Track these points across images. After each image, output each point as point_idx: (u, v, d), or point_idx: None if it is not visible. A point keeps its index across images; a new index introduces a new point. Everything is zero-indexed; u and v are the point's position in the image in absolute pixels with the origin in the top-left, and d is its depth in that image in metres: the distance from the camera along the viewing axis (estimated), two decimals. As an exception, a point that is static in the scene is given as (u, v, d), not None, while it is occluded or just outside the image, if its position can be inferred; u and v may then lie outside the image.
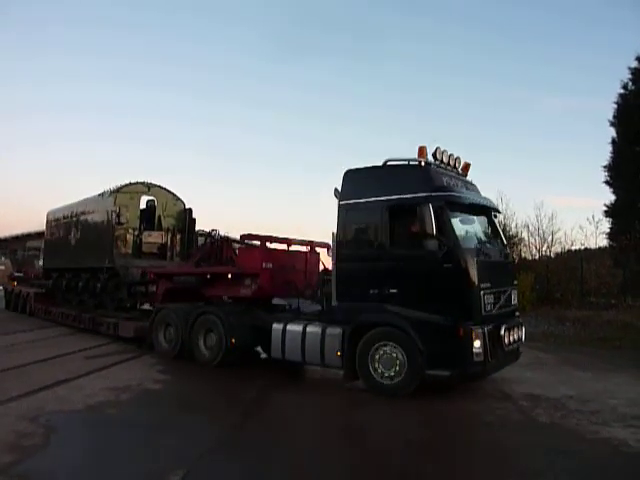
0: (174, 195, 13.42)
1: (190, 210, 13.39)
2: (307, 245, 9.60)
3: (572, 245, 19.24)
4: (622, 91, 20.05)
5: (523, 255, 22.29)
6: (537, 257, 20.19)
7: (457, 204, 6.72)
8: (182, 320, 8.93)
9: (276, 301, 8.98)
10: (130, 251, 12.34)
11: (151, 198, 13.09)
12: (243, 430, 5.26)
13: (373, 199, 6.94)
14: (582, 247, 19.16)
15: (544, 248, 20.27)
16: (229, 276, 8.83)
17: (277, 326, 7.76)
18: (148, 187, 13.03)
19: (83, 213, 13.52)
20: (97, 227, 12.70)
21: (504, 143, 58.69)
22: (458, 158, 7.55)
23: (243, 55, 63.78)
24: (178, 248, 13.00)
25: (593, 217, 19.07)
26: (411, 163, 6.94)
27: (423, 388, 6.34)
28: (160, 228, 12.97)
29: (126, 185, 12.64)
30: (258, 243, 8.91)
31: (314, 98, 61.70)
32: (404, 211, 6.65)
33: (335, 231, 7.31)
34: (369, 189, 7.04)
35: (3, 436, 4.68)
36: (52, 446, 4.56)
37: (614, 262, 17.95)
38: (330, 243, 7.75)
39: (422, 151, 6.82)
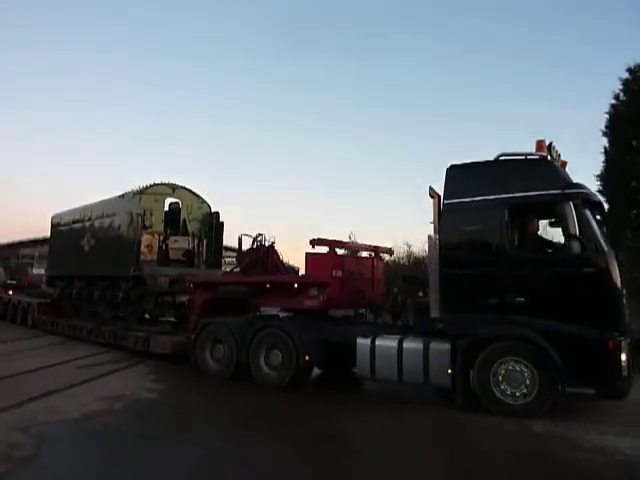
0: (199, 197, 12.50)
1: (217, 214, 12.48)
2: (372, 250, 8.81)
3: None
4: (614, 101, 20.32)
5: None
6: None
7: (589, 202, 6.09)
8: (238, 336, 7.94)
9: (333, 312, 8.32)
10: (155, 258, 11.36)
11: (175, 200, 12.22)
12: (235, 441, 5.21)
13: (489, 197, 6.26)
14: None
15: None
16: (295, 286, 7.96)
17: (363, 341, 6.88)
18: (173, 188, 12.11)
19: (100, 216, 12.43)
20: (118, 232, 11.64)
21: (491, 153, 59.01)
22: (560, 154, 6.87)
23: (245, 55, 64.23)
24: (204, 255, 12.12)
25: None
26: (530, 158, 6.31)
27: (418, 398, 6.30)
28: (185, 233, 12.03)
29: (150, 186, 11.74)
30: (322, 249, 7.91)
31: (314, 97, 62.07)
32: (530, 210, 6.15)
33: (433, 234, 6.60)
34: (480, 187, 6.39)
35: (-6, 447, 4.61)
36: (43, 457, 4.50)
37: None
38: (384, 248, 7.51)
39: (541, 145, 6.21)
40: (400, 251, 30.18)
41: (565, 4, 52.08)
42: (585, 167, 26.73)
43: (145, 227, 11.22)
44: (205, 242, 12.13)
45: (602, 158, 20.65)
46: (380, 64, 60.24)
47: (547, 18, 50.95)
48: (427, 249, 6.90)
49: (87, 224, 13.01)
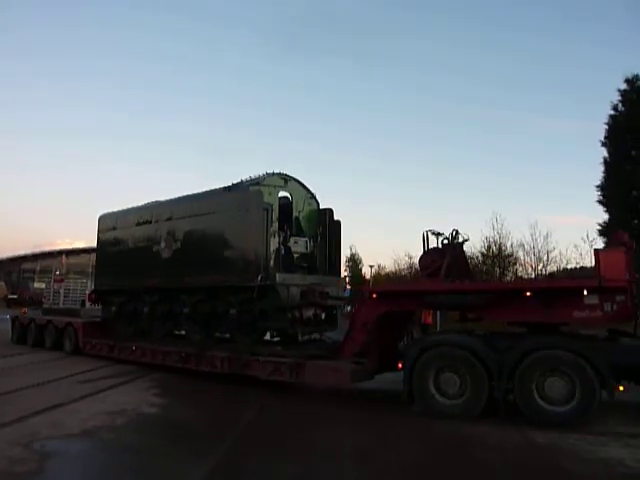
0: (309, 191, 10.50)
1: (331, 211, 10.44)
2: None
3: (567, 264, 19.37)
4: (612, 112, 20.50)
5: (519, 274, 22.44)
6: (533, 276, 20.34)
7: None
8: (490, 361, 6.28)
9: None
10: (272, 264, 9.16)
11: (286, 194, 10.10)
12: (239, 457, 5.20)
13: None
14: (577, 266, 19.30)
15: (539, 267, 20.43)
16: (585, 293, 6.22)
17: None
18: (285, 180, 10.05)
19: (190, 214, 10.29)
20: (230, 232, 9.45)
21: (498, 164, 59.55)
22: None
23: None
24: (318, 258, 10.24)
25: (587, 236, 19.27)
26: None
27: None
28: (300, 233, 10.09)
29: (264, 176, 9.78)
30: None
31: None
32: None
33: None
34: None
35: (-4, 463, 4.61)
36: (46, 473, 4.50)
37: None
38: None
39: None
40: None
41: (564, 16, 52.67)
42: (585, 178, 26.84)
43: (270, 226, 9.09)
44: (318, 244, 10.24)
45: (602, 168, 20.78)
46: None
47: (550, 28, 51.53)
48: None
49: (165, 225, 10.74)
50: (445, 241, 7.91)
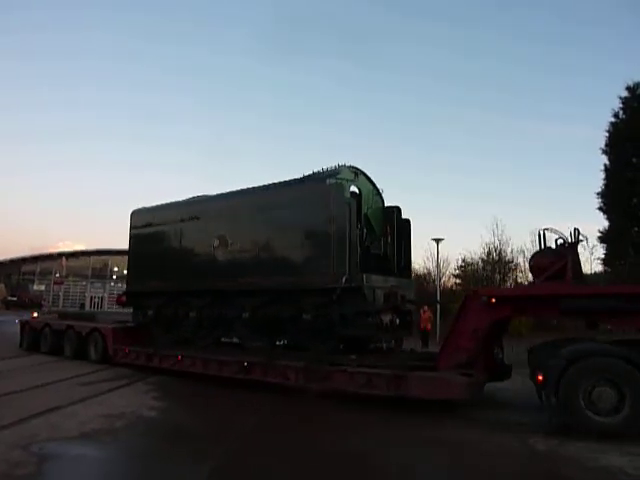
0: (375, 187, 9.76)
1: (399, 210, 9.77)
2: None
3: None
4: (613, 120, 20.55)
5: (519, 280, 22.43)
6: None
7: None
8: None
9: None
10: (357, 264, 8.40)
11: (355, 189, 9.29)
12: (235, 462, 5.18)
13: None
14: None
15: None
16: None
17: None
18: (355, 173, 9.33)
19: (252, 210, 9.49)
20: (301, 230, 8.69)
21: (499, 170, 59.71)
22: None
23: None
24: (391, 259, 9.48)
25: (588, 243, 19.24)
26: None
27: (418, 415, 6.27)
28: (371, 232, 9.30)
29: (339, 168, 9.07)
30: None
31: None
32: None
33: None
34: None
35: (-5, 465, 4.60)
36: (44, 475, 4.49)
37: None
38: None
39: None
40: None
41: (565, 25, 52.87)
42: (586, 184, 26.89)
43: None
44: (389, 244, 9.54)
45: (602, 175, 20.82)
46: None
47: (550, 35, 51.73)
48: None
49: (218, 221, 9.94)
50: (560, 241, 7.29)
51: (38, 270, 53.20)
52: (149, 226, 11.44)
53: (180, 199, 11.47)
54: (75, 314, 15.54)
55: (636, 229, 19.37)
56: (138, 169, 79.47)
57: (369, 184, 9.59)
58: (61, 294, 51.00)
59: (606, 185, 20.50)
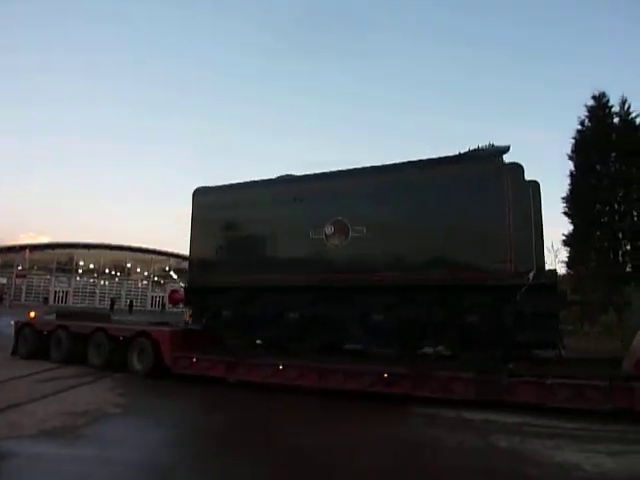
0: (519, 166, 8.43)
1: (538, 185, 7.70)
2: None
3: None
4: (579, 127, 21.16)
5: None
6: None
7: None
8: None
9: None
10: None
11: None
12: (203, 458, 5.14)
13: None
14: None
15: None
16: None
17: None
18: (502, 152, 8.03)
19: (389, 191, 8.10)
20: (463, 216, 7.53)
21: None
22: None
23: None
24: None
25: (552, 246, 19.77)
26: None
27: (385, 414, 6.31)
28: None
29: (505, 147, 7.75)
30: None
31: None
32: None
33: None
34: None
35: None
36: (2, 475, 4.34)
37: (572, 290, 18.59)
38: None
39: None
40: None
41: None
42: (552, 189, 27.62)
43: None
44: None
45: (568, 181, 21.42)
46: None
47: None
48: None
49: (328, 205, 8.49)
50: None
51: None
52: (223, 208, 9.68)
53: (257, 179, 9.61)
54: (81, 314, 12.71)
55: (599, 234, 20.00)
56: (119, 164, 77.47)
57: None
58: (24, 287, 49.45)
59: (571, 190, 21.11)
